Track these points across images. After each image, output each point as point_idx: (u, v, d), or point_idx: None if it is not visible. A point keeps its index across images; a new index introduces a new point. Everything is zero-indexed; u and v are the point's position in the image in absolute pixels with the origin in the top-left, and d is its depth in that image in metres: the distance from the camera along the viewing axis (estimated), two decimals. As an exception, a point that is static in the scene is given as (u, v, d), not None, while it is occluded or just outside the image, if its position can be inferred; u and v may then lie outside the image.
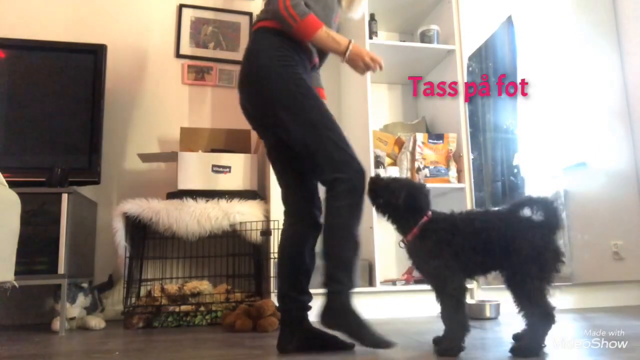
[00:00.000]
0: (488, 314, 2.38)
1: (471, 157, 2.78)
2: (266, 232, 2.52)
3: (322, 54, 1.77)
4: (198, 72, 3.11)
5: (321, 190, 1.66)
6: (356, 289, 2.17)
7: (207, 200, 2.52)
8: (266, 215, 2.55)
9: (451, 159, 2.78)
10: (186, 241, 2.55)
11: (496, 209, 1.65)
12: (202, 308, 2.42)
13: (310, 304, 1.65)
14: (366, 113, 2.65)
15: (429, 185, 1.71)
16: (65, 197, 2.23)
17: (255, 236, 2.52)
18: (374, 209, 2.46)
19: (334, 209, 1.56)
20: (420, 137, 2.80)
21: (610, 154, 2.98)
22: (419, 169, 2.74)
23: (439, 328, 1.51)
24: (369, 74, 2.17)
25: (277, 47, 1.61)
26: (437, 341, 1.56)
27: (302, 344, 1.59)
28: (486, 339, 1.84)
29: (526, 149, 3.08)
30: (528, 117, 3.07)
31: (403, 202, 1.54)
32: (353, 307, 1.51)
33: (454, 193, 2.76)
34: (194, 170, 2.60)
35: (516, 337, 1.54)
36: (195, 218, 2.46)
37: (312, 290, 1.67)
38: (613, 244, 2.85)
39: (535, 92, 2.91)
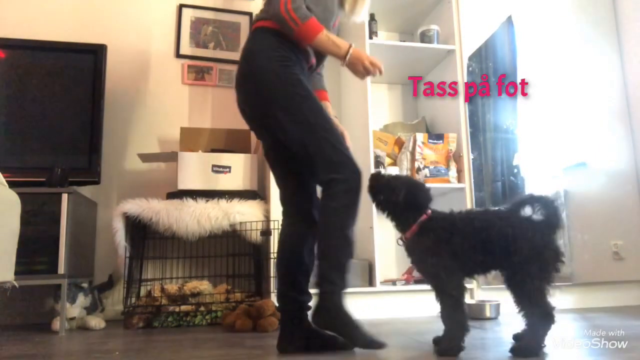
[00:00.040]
0: (488, 314, 2.38)
1: (471, 157, 2.78)
2: (266, 232, 2.52)
3: (320, 55, 1.77)
4: (198, 72, 3.11)
5: (319, 190, 1.66)
6: (353, 289, 2.17)
7: (207, 200, 2.52)
8: (266, 215, 2.55)
9: (451, 159, 2.78)
10: (186, 241, 2.55)
11: (497, 208, 1.65)
12: (202, 308, 2.42)
13: (310, 303, 1.65)
14: (366, 113, 2.65)
15: (428, 185, 1.71)
16: (65, 197, 2.23)
17: (255, 236, 2.52)
18: (374, 208, 2.49)
19: (329, 209, 1.56)
20: (420, 137, 2.80)
21: (610, 154, 2.98)
22: (419, 169, 2.74)
23: (439, 328, 1.51)
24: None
25: (275, 48, 1.62)
26: (437, 341, 1.56)
27: (302, 344, 1.59)
28: (486, 339, 1.84)
29: (526, 149, 3.08)
30: (528, 117, 3.07)
31: (403, 199, 1.54)
32: (345, 307, 1.51)
33: (454, 193, 2.76)
34: (194, 170, 2.60)
35: (516, 337, 1.54)
36: (195, 218, 2.46)
37: (311, 290, 1.66)
38: (613, 244, 2.85)
39: (535, 92, 2.91)
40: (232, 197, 2.57)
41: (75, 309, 2.34)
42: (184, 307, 2.40)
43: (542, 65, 3.08)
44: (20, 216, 1.60)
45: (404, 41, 3.18)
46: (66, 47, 2.68)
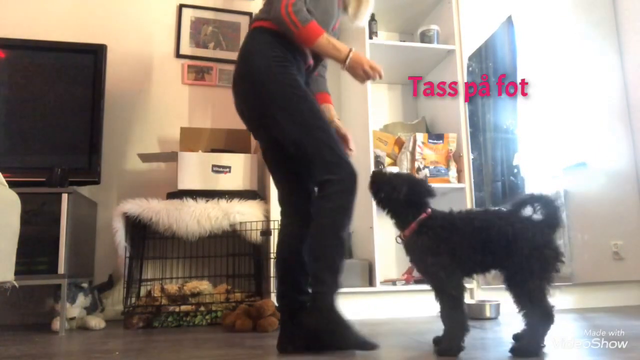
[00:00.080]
0: (488, 314, 2.38)
1: (471, 157, 2.78)
2: (266, 232, 2.52)
3: (317, 56, 1.77)
4: (198, 72, 3.11)
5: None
6: (353, 289, 2.17)
7: (207, 200, 2.52)
8: (266, 215, 2.55)
9: (451, 159, 2.78)
10: (186, 241, 2.55)
11: (497, 208, 1.65)
12: (202, 308, 2.42)
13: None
14: (366, 113, 2.65)
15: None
16: (65, 197, 2.23)
17: (255, 236, 2.52)
18: (374, 208, 2.49)
19: (324, 210, 1.56)
20: (420, 137, 2.80)
21: (610, 154, 2.98)
22: (419, 169, 2.74)
23: (439, 328, 1.51)
24: None
25: (272, 48, 1.62)
26: (437, 341, 1.56)
27: (302, 344, 1.59)
28: (486, 339, 1.84)
29: (526, 149, 3.07)
30: (528, 117, 3.07)
31: (404, 196, 1.54)
32: (337, 308, 1.51)
33: (454, 193, 2.76)
34: (194, 170, 2.60)
35: (516, 337, 1.54)
36: (195, 218, 2.46)
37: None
38: (613, 244, 2.85)
39: (535, 92, 2.91)
40: (232, 197, 2.57)
41: (75, 309, 2.34)
42: (184, 307, 2.40)
43: (542, 65, 3.08)
44: (20, 216, 1.60)
45: (404, 41, 3.18)
46: (66, 47, 2.68)
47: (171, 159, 2.71)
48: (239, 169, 2.66)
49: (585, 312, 2.49)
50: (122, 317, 2.43)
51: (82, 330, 2.33)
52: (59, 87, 2.63)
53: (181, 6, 3.14)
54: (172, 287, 2.48)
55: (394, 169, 2.75)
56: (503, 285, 1.51)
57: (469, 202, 2.71)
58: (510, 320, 2.18)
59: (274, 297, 2.22)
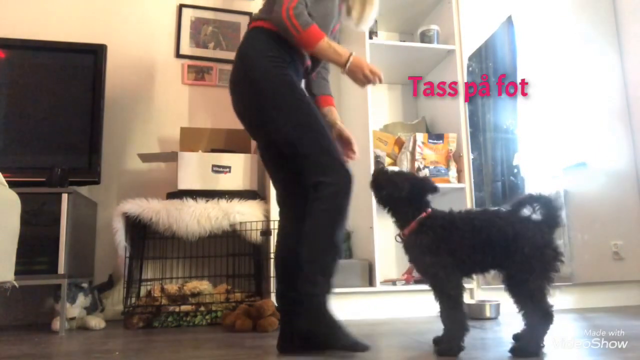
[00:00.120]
0: (488, 314, 2.38)
1: (471, 157, 2.78)
2: (266, 232, 2.52)
3: (315, 58, 1.77)
4: (198, 72, 3.11)
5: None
6: (353, 289, 2.16)
7: (207, 200, 2.52)
8: (266, 215, 2.55)
9: (451, 159, 2.78)
10: (186, 241, 2.55)
11: (496, 208, 1.65)
12: (202, 308, 2.42)
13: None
14: (366, 113, 2.65)
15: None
16: (65, 197, 2.23)
17: (255, 236, 2.52)
18: (374, 208, 2.49)
19: (316, 212, 1.56)
20: (420, 137, 2.80)
21: (610, 154, 2.98)
22: (419, 169, 2.74)
23: (439, 328, 1.51)
24: None
25: (269, 48, 1.62)
26: (437, 341, 1.56)
27: (302, 344, 1.59)
28: (486, 339, 1.84)
29: (526, 149, 3.07)
30: (528, 117, 3.07)
31: (406, 194, 1.54)
32: (329, 310, 1.51)
33: (454, 193, 2.75)
34: (194, 170, 2.60)
35: (516, 337, 1.54)
36: (195, 218, 2.46)
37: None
38: (613, 244, 2.85)
39: (535, 92, 2.91)
40: (232, 197, 2.57)
41: (75, 309, 2.34)
42: (184, 307, 2.40)
43: (542, 65, 3.07)
44: (20, 216, 1.60)
45: (404, 41, 3.18)
46: (66, 47, 2.68)
47: (171, 159, 2.71)
48: (239, 169, 2.66)
49: (585, 312, 2.49)
50: (122, 317, 2.43)
51: (82, 330, 2.33)
52: (59, 87, 2.63)
53: (181, 6, 3.14)
54: (172, 287, 2.48)
55: (395, 169, 2.76)
56: (503, 286, 1.52)
57: (469, 202, 2.71)
58: (510, 320, 2.18)
59: (274, 297, 2.22)
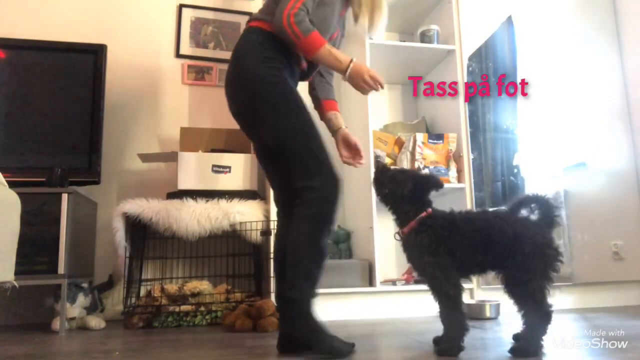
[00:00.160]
0: (488, 314, 2.38)
1: (471, 157, 2.78)
2: (266, 232, 2.52)
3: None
4: (198, 72, 3.11)
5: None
6: (353, 289, 2.16)
7: (207, 200, 2.52)
8: (266, 215, 2.55)
9: (451, 159, 2.78)
10: (186, 241, 2.55)
11: (496, 209, 1.65)
12: (202, 308, 2.42)
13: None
14: (366, 113, 2.65)
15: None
16: (65, 197, 2.23)
17: (255, 236, 2.52)
18: (374, 208, 2.49)
19: (301, 217, 1.55)
20: (420, 137, 2.80)
21: (610, 154, 2.98)
22: (419, 169, 2.74)
23: (439, 328, 1.51)
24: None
25: (264, 49, 1.62)
26: (437, 341, 1.56)
27: (302, 344, 1.59)
28: (486, 339, 1.84)
29: (526, 149, 3.07)
30: (528, 117, 3.07)
31: (409, 192, 1.54)
32: (313, 315, 1.51)
33: (454, 193, 2.75)
34: (194, 170, 2.60)
35: (516, 337, 1.54)
36: (195, 218, 2.46)
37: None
38: (613, 244, 2.85)
39: (535, 92, 2.91)
40: (232, 197, 2.57)
41: (75, 309, 2.34)
42: (184, 307, 2.40)
43: (542, 65, 3.07)
44: (20, 216, 1.60)
45: (404, 41, 3.18)
46: (66, 47, 2.68)
47: (171, 159, 2.71)
48: (239, 169, 2.66)
49: (585, 312, 2.49)
50: (122, 317, 2.43)
51: (82, 330, 2.33)
52: (59, 87, 2.63)
53: (181, 6, 3.14)
54: (172, 287, 2.48)
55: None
56: (502, 286, 1.51)
57: (469, 202, 2.71)
58: (510, 320, 2.18)
59: (274, 297, 2.22)
